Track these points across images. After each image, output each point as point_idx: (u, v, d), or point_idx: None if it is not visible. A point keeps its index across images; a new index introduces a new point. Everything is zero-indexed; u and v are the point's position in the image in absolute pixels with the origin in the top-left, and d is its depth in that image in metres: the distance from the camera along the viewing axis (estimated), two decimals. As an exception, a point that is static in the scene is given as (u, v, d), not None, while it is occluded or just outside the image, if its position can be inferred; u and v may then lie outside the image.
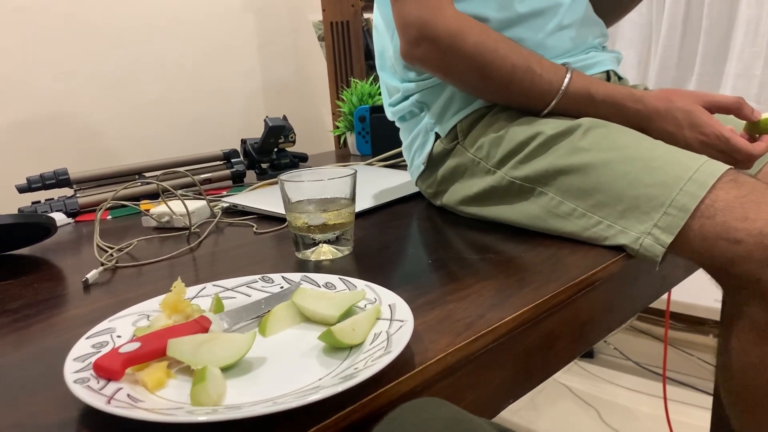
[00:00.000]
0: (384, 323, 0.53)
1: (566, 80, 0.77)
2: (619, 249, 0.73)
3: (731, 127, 0.74)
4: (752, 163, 0.74)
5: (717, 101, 0.74)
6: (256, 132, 1.33)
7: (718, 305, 0.73)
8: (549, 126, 0.78)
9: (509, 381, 0.62)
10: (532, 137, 0.79)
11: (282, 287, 0.63)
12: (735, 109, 0.74)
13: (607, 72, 0.92)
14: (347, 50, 1.75)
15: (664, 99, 0.76)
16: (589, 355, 1.98)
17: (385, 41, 0.96)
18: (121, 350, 0.48)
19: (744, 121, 0.77)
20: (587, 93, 0.78)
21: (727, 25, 1.58)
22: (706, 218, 0.66)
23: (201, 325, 0.53)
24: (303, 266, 0.76)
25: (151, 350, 0.50)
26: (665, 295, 1.36)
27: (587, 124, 0.76)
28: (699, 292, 1.57)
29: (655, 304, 1.43)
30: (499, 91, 0.81)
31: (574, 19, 0.88)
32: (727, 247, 0.64)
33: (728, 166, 0.69)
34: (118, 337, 0.54)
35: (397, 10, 0.80)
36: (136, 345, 0.49)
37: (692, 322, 1.81)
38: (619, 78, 0.95)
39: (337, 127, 1.62)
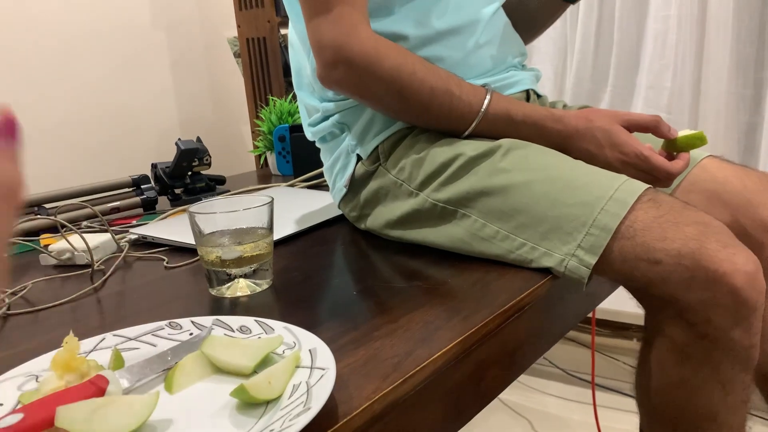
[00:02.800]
0: (304, 372, 0.49)
1: (486, 102, 0.76)
2: (546, 270, 0.72)
3: (650, 145, 0.75)
4: (671, 181, 0.74)
5: (635, 120, 0.75)
6: (171, 153, 1.26)
7: (642, 311, 0.73)
8: (470, 147, 0.76)
9: (440, 420, 0.59)
10: (453, 159, 0.77)
11: (191, 334, 0.57)
12: (652, 127, 0.75)
13: (527, 91, 0.91)
14: (265, 67, 1.70)
15: (584, 118, 0.75)
16: (519, 365, 1.99)
17: (302, 59, 0.92)
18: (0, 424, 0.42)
19: (662, 139, 0.78)
20: (507, 114, 0.76)
21: (636, 39, 1.63)
22: (626, 239, 0.66)
23: (97, 386, 0.47)
24: (218, 304, 0.71)
25: (37, 421, 0.43)
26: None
27: (507, 145, 0.75)
28: (622, 299, 1.60)
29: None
30: (418, 114, 0.79)
31: (493, 37, 0.87)
32: (647, 268, 0.64)
33: (648, 185, 0.69)
34: (0, 405, 0.47)
35: (312, 31, 0.77)
36: (18, 417, 0.43)
37: (617, 328, 1.85)
38: (539, 96, 0.95)
39: (257, 147, 1.56)
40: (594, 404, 1.50)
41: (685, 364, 0.66)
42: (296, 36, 0.91)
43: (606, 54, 1.67)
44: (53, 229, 1.04)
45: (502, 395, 1.87)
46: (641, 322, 0.74)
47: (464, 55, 0.84)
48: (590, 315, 1.51)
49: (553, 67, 1.78)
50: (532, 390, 1.89)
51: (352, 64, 0.75)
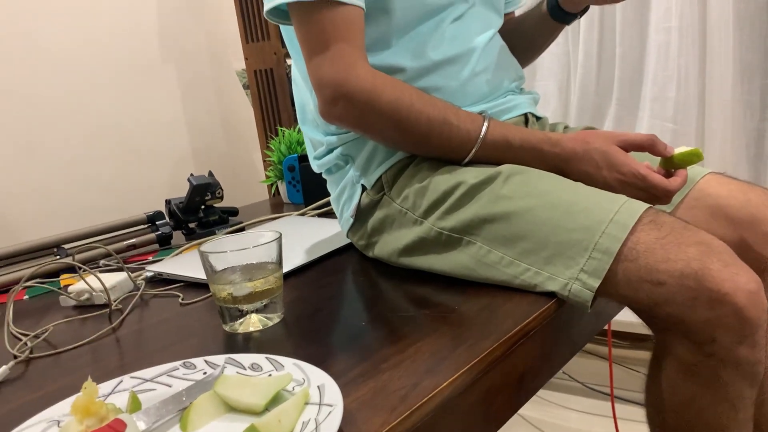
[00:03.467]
0: (313, 409, 0.50)
1: (483, 129, 0.78)
2: (551, 294, 0.73)
3: (647, 163, 0.76)
4: (671, 198, 0.75)
5: (631, 140, 0.76)
6: (185, 187, 1.29)
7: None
8: (470, 175, 0.78)
9: (450, 449, 0.60)
10: (455, 187, 0.78)
11: (205, 373, 0.59)
12: (648, 146, 0.76)
13: (525, 115, 0.93)
14: (273, 98, 1.73)
15: (581, 141, 0.77)
16: (539, 381, 1.98)
17: (305, 95, 0.94)
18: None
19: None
20: (505, 140, 0.78)
21: (639, 51, 1.64)
22: (629, 261, 0.66)
23: (115, 430, 0.49)
24: (232, 339, 0.73)
25: (60, 467, 0.45)
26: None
27: (507, 171, 0.76)
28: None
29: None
30: (418, 144, 0.81)
31: (488, 64, 0.89)
32: (651, 290, 0.65)
33: (647, 206, 0.70)
34: (25, 451, 0.49)
35: (312, 70, 0.79)
36: (42, 463, 0.45)
37: (635, 339, 1.84)
38: (538, 118, 0.96)
39: (268, 177, 1.59)
40: (614, 417, 1.50)
41: (693, 382, 0.67)
42: (299, 74, 0.94)
43: (609, 68, 1.69)
44: (72, 269, 1.07)
45: (522, 411, 1.86)
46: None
47: (461, 83, 0.86)
48: (606, 327, 1.51)
49: (557, 84, 1.79)
50: (552, 405, 1.88)
51: (352, 100, 0.77)
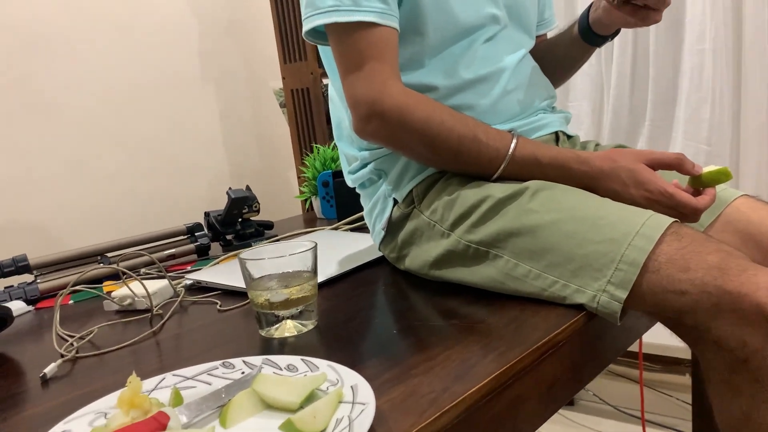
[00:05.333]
0: (346, 407, 0.53)
1: (512, 146, 0.80)
2: (581, 307, 0.74)
3: (676, 181, 0.77)
4: (699, 216, 0.76)
5: (659, 158, 0.77)
6: (223, 200, 1.33)
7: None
8: (498, 189, 0.80)
9: (478, 454, 0.61)
10: (483, 200, 0.80)
11: (243, 372, 0.62)
12: (676, 165, 0.77)
13: (556, 133, 0.94)
14: (309, 116, 1.78)
15: (609, 159, 0.78)
16: (570, 403, 1.96)
17: (341, 113, 0.98)
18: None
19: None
20: (533, 157, 0.80)
21: (672, 73, 1.64)
22: (652, 272, 0.68)
23: (159, 422, 0.52)
24: (268, 344, 0.76)
25: (108, 453, 0.48)
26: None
27: (534, 187, 0.78)
28: (671, 333, 1.58)
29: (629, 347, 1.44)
30: (448, 161, 0.84)
31: (519, 83, 0.92)
32: (674, 300, 0.66)
33: (673, 219, 0.71)
34: (74, 440, 0.53)
35: (347, 88, 0.83)
36: (91, 449, 0.48)
37: (668, 363, 1.82)
38: (569, 137, 0.98)
39: (303, 192, 1.63)
40: (646, 441, 1.48)
41: (739, 395, 0.66)
42: (335, 92, 0.97)
43: (643, 89, 1.69)
44: (115, 276, 1.12)
45: (553, 433, 1.85)
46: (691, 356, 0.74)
47: (492, 101, 0.88)
48: (638, 350, 1.49)
49: (590, 104, 1.80)
50: (583, 428, 1.86)
51: (385, 118, 0.80)
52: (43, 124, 1.52)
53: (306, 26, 0.84)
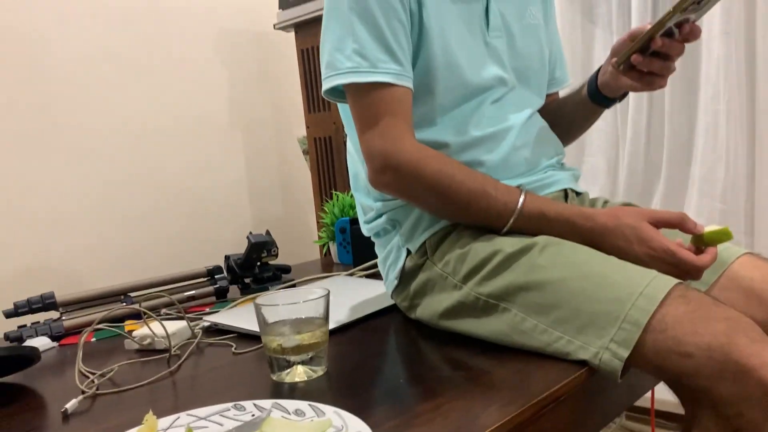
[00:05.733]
0: (348, 452, 0.55)
1: (520, 201, 0.83)
2: (584, 362, 0.76)
3: (680, 240, 0.79)
4: (701, 274, 0.78)
5: (661, 217, 0.80)
6: (244, 242, 1.38)
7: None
8: (508, 244, 0.83)
9: (476, 504, 0.62)
10: (493, 254, 0.83)
11: (253, 415, 0.65)
12: (678, 224, 0.79)
13: (565, 190, 0.98)
14: (330, 164, 1.83)
15: (613, 216, 0.81)
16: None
17: (358, 165, 1.02)
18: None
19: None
20: (540, 213, 0.83)
21: (687, 133, 1.67)
22: (658, 332, 0.69)
23: (171, 460, 0.55)
24: (279, 388, 0.78)
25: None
26: (649, 393, 1.36)
27: (543, 242, 0.81)
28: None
29: (641, 403, 1.43)
30: (459, 213, 0.87)
31: (528, 140, 0.96)
32: (679, 361, 0.67)
33: (677, 281, 0.73)
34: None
35: (364, 142, 0.87)
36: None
37: (680, 420, 1.79)
38: (578, 194, 1.01)
39: (321, 237, 1.67)
40: (660, 502, 1.45)
41: None
42: (352, 145, 1.02)
43: (658, 147, 1.72)
44: (137, 316, 1.16)
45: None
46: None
47: (501, 157, 0.92)
48: (650, 406, 1.48)
49: (606, 160, 1.83)
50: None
51: (399, 171, 0.84)
52: (74, 165, 1.59)
53: (326, 85, 0.89)
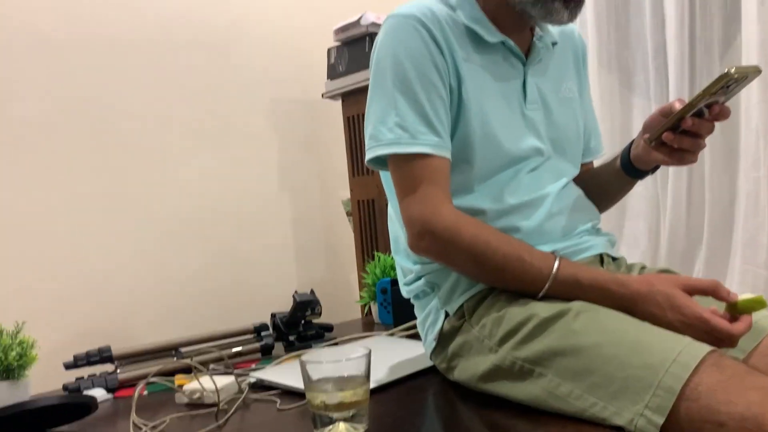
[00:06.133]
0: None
1: (555, 267, 0.86)
2: (620, 428, 0.77)
3: (714, 308, 0.81)
4: (735, 342, 0.79)
5: (693, 284, 0.82)
6: (288, 298, 1.42)
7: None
8: (543, 309, 0.86)
9: None
10: (528, 318, 0.86)
11: (296, 468, 0.68)
12: (711, 291, 0.81)
13: (600, 255, 1.00)
14: (372, 226, 1.89)
15: (646, 282, 0.83)
16: None
17: (398, 229, 1.07)
18: None
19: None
20: (575, 279, 0.86)
21: (729, 198, 1.67)
22: (691, 401, 0.70)
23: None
24: (320, 444, 0.81)
25: None
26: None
27: (578, 308, 0.84)
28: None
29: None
30: (494, 278, 0.91)
31: (563, 207, 0.99)
32: (711, 430, 0.68)
33: (710, 348, 0.74)
34: None
35: (403, 208, 0.93)
36: None
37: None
38: (614, 259, 1.03)
39: (363, 297, 1.71)
40: None
41: None
42: (393, 210, 1.08)
43: (699, 213, 1.72)
44: (187, 370, 1.21)
45: None
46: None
47: (537, 224, 0.96)
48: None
49: (647, 225, 1.84)
50: None
51: (436, 236, 0.89)
52: (132, 225, 1.69)
53: (369, 155, 0.96)
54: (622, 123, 1.87)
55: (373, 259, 1.79)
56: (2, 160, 1.49)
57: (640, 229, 1.83)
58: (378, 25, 1.76)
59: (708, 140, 0.93)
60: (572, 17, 0.96)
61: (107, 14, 1.68)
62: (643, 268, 1.05)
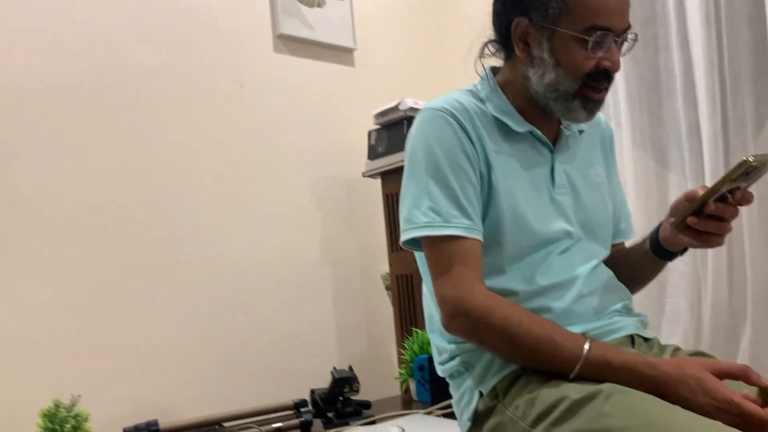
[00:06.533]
0: None
1: (585, 349, 0.88)
2: None
3: (746, 392, 0.80)
4: (766, 428, 0.78)
5: (724, 368, 0.82)
6: (328, 374, 1.45)
7: None
8: (574, 390, 0.86)
9: None
10: (560, 400, 0.87)
11: None
12: (741, 376, 0.81)
13: (632, 336, 1.01)
14: (411, 301, 1.92)
15: (676, 365, 0.84)
16: None
17: (432, 308, 1.11)
18: None
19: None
20: (605, 360, 0.87)
21: (770, 276, 1.66)
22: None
23: None
24: None
25: None
26: None
27: (608, 390, 0.84)
28: None
29: None
30: (526, 359, 0.92)
31: (594, 288, 1.01)
32: None
33: (739, 433, 0.74)
34: None
35: (437, 288, 0.96)
36: None
37: None
38: (646, 340, 1.03)
39: (401, 374, 1.72)
40: None
41: None
42: (427, 289, 1.11)
43: (741, 290, 1.70)
44: (227, 445, 1.24)
45: None
46: None
47: (567, 305, 0.98)
48: None
49: (688, 301, 1.82)
50: None
51: (469, 316, 0.92)
52: (180, 301, 1.77)
53: (404, 237, 1.01)
54: (658, 200, 1.89)
55: (411, 335, 1.81)
56: (60, 239, 1.60)
57: (681, 306, 1.81)
58: (415, 110, 1.85)
59: (746, 215, 0.95)
60: (590, 117, 1.01)
61: (164, 98, 1.82)
62: (676, 349, 1.05)
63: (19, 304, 1.54)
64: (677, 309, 1.82)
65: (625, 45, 1.01)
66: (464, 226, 0.96)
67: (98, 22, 1.72)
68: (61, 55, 1.65)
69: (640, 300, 1.87)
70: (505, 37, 1.03)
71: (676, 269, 1.82)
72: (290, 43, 2.12)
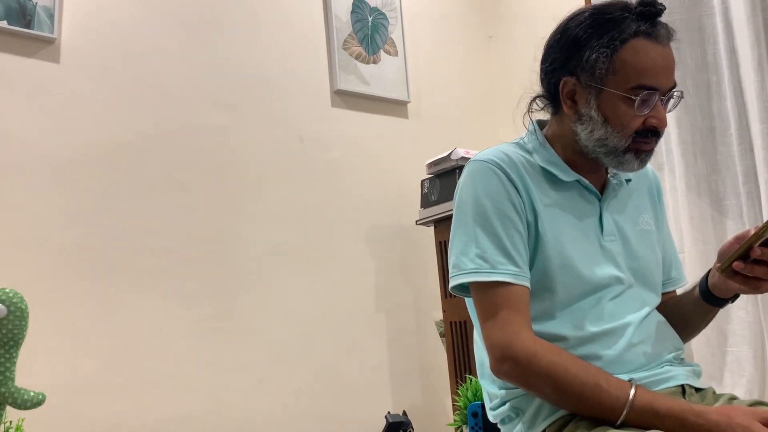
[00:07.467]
0: None
1: (630, 395, 0.88)
2: None
3: (797, 441, 0.80)
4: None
5: (771, 416, 0.81)
6: (382, 420, 1.48)
7: None
8: (621, 438, 0.87)
9: None
10: (609, 447, 0.88)
11: None
12: (792, 425, 0.80)
13: (682, 386, 1.00)
14: (465, 347, 1.94)
15: (724, 414, 0.83)
16: None
17: (483, 353, 1.13)
18: None
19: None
20: (651, 407, 0.87)
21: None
22: None
23: None
24: None
25: None
26: None
27: (656, 438, 0.85)
28: None
29: None
30: (572, 404, 0.93)
31: (645, 337, 1.02)
32: None
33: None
34: None
35: (485, 333, 0.99)
36: None
37: None
38: (697, 390, 1.02)
39: (455, 421, 1.73)
40: None
41: None
42: (478, 335, 1.14)
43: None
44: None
45: None
46: None
47: (618, 353, 0.99)
48: None
49: (752, 350, 1.76)
50: None
51: (516, 361, 0.94)
52: (240, 345, 1.84)
53: (452, 282, 1.04)
54: (716, 247, 1.85)
55: (464, 381, 1.82)
56: (129, 289, 1.71)
57: (744, 356, 1.76)
58: (467, 159, 1.90)
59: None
60: (642, 165, 1.03)
61: (228, 154, 1.94)
62: (732, 398, 1.04)
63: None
64: (740, 358, 1.76)
65: (671, 102, 1.03)
66: (511, 273, 0.99)
67: (168, 83, 1.86)
68: (136, 114, 1.80)
69: (701, 349, 1.83)
70: (552, 93, 1.07)
71: (738, 317, 1.78)
72: (347, 98, 2.23)
